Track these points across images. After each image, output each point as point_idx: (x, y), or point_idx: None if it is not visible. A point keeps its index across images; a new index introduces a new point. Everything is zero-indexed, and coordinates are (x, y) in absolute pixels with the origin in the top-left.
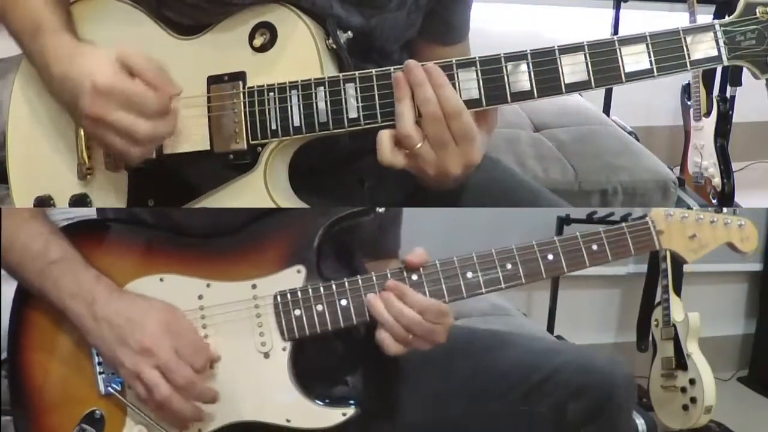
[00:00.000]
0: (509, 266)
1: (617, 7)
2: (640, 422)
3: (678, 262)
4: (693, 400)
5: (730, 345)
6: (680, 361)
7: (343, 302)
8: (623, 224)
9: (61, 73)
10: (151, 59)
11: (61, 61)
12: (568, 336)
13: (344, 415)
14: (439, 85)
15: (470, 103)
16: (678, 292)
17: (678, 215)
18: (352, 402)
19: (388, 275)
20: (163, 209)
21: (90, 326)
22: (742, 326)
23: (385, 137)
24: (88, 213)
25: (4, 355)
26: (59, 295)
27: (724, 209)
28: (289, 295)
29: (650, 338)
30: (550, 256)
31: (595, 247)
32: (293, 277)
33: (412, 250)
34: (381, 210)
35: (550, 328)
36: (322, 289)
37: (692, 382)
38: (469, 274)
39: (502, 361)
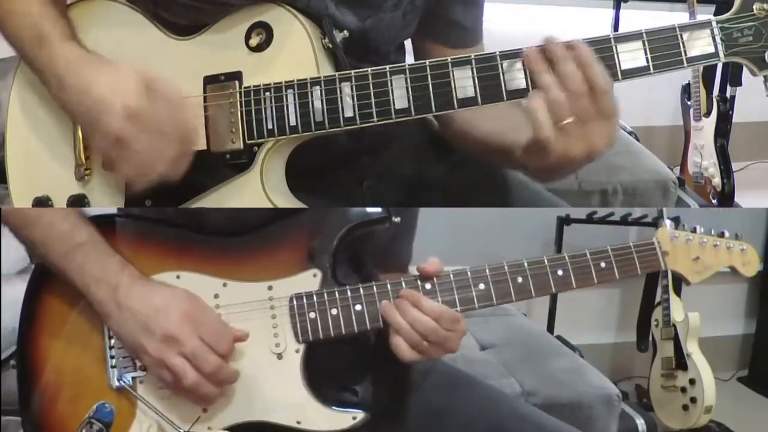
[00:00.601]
0: (520, 280)
1: (617, 7)
2: (640, 422)
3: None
4: (693, 400)
5: (730, 345)
6: (680, 361)
7: (358, 307)
8: (630, 244)
9: (81, 85)
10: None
11: (80, 72)
12: (568, 336)
13: (354, 419)
14: (587, 61)
15: (466, 102)
16: (678, 292)
17: (683, 238)
18: (361, 406)
19: (403, 283)
20: (163, 209)
21: (112, 312)
22: (742, 326)
23: (541, 110)
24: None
25: (5, 355)
26: (84, 280)
27: (725, 233)
28: (304, 298)
29: (650, 338)
30: (560, 272)
31: (603, 264)
32: (309, 281)
33: (427, 259)
34: (397, 219)
35: (550, 328)
36: (337, 293)
37: (692, 382)
38: (481, 286)
39: (510, 426)
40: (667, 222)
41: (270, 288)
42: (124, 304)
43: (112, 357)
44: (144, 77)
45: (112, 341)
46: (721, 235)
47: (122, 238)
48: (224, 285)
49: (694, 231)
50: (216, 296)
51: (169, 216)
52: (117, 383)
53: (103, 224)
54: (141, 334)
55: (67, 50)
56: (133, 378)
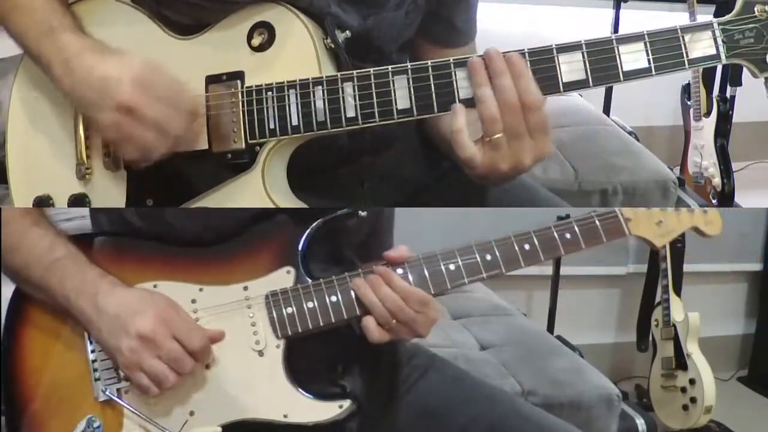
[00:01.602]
0: (488, 257)
1: (617, 7)
2: (640, 422)
3: (678, 261)
4: (693, 400)
5: (730, 345)
6: (680, 361)
7: (333, 298)
8: (592, 213)
9: (88, 66)
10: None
11: (87, 57)
12: (568, 336)
13: (341, 407)
14: (520, 76)
15: (468, 102)
16: (678, 292)
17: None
18: (347, 395)
19: (374, 269)
20: (163, 209)
21: (92, 318)
22: (742, 326)
23: (463, 132)
24: (86, 213)
25: None
26: (64, 293)
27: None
28: (280, 294)
29: (650, 338)
30: (527, 246)
31: (568, 235)
32: (283, 278)
33: (395, 247)
34: (363, 213)
35: (550, 328)
36: (312, 286)
37: (692, 382)
38: (452, 266)
39: (510, 425)
40: None
41: (246, 288)
42: (103, 308)
43: (95, 370)
44: (147, 60)
45: (94, 354)
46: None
47: (98, 254)
48: (200, 290)
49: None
50: (193, 301)
51: (145, 229)
52: (102, 396)
53: (80, 241)
54: (117, 336)
55: (77, 38)
56: (118, 389)
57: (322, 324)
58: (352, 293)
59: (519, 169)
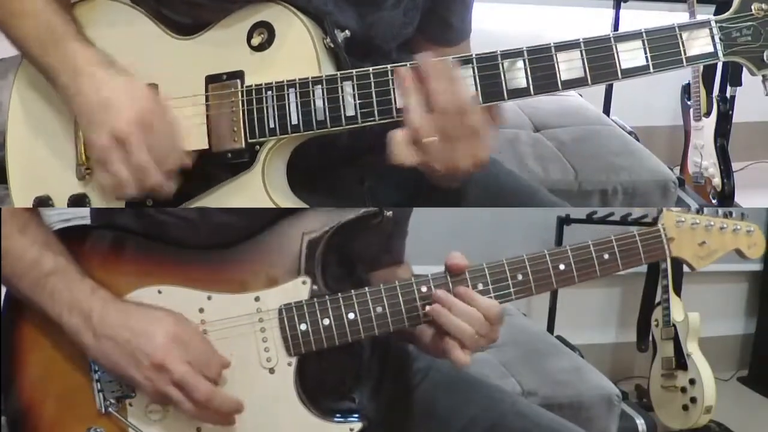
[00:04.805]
0: (520, 277)
1: (617, 7)
2: (640, 422)
3: (678, 262)
4: (693, 400)
5: (730, 345)
6: (680, 361)
7: (351, 315)
8: (635, 231)
9: (94, 83)
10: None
11: (94, 71)
12: (568, 336)
13: (351, 430)
14: (452, 79)
15: None
16: (678, 292)
17: (689, 221)
18: (357, 417)
19: (398, 286)
20: (162, 209)
21: (89, 342)
22: (742, 326)
23: (397, 135)
24: (85, 213)
25: None
26: (56, 310)
27: (733, 212)
28: (294, 309)
29: (650, 338)
30: (562, 266)
31: (606, 256)
32: (298, 289)
33: (451, 254)
34: (389, 213)
35: (550, 328)
36: (328, 302)
37: (692, 382)
38: (480, 286)
39: (511, 424)
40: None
41: (257, 299)
42: (101, 332)
43: (97, 381)
44: (154, 95)
45: (96, 364)
46: (728, 215)
47: (100, 251)
48: (209, 298)
49: (699, 212)
50: (201, 311)
51: (149, 228)
52: (104, 409)
53: (79, 236)
54: (128, 365)
55: (83, 48)
56: (122, 399)
57: (338, 343)
58: (378, 309)
59: (455, 172)
